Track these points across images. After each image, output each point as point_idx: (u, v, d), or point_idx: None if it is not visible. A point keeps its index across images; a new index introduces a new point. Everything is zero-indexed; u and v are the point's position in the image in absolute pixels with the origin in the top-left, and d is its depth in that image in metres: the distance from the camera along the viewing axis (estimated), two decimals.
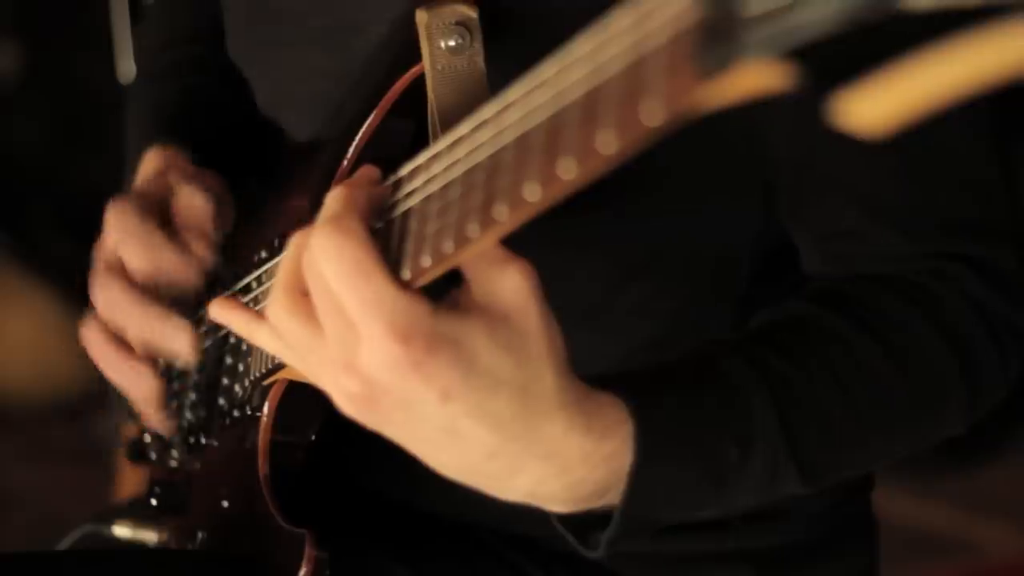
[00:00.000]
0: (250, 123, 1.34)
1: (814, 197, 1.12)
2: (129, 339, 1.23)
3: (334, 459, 1.22)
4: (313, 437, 1.18)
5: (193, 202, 1.23)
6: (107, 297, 1.23)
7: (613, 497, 0.94)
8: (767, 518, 1.23)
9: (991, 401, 1.10)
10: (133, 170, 1.38)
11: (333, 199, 0.92)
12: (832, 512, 1.28)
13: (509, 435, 0.89)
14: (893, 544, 1.39)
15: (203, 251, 1.22)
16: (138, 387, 1.25)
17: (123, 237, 1.22)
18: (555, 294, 0.90)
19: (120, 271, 1.22)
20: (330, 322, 0.89)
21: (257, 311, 1.01)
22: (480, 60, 0.98)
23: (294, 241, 0.95)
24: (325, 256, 0.88)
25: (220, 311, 1.03)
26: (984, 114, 1.11)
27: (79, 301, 1.34)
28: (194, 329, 1.22)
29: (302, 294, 0.92)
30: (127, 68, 2.61)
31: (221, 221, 1.25)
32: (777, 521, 1.25)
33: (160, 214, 1.23)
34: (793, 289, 1.13)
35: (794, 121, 1.07)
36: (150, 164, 1.33)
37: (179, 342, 1.21)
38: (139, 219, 1.22)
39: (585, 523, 0.97)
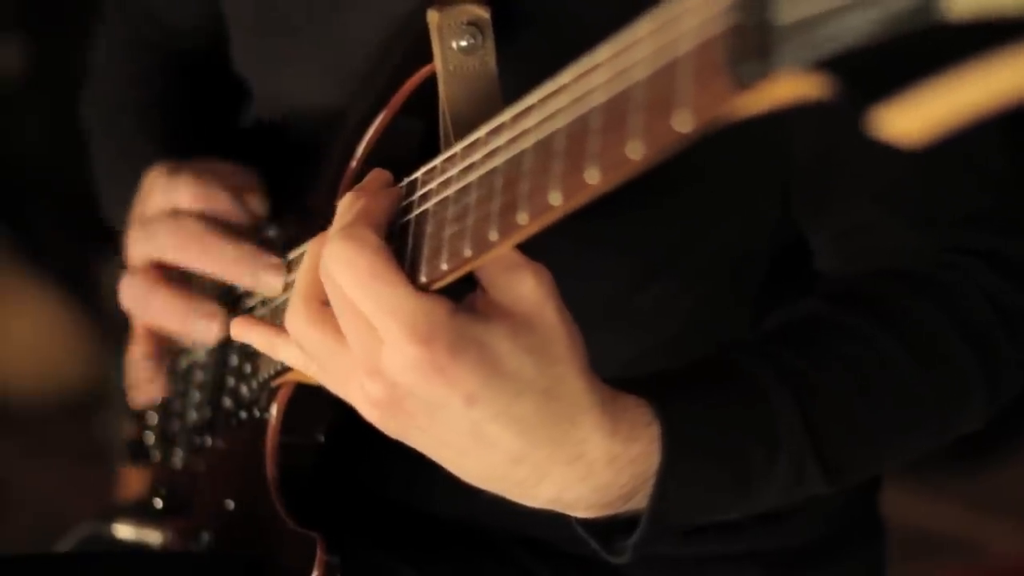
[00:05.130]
0: (231, 126, 1.33)
1: (831, 192, 1.11)
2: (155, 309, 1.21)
3: (341, 461, 1.21)
4: (322, 439, 1.17)
5: (237, 170, 1.21)
6: (135, 287, 1.21)
7: (639, 501, 0.94)
8: (777, 519, 1.23)
9: (1009, 394, 1.10)
10: (122, 184, 1.32)
11: (344, 207, 0.93)
12: (840, 513, 1.28)
13: (535, 440, 0.88)
14: (899, 544, 1.38)
15: (254, 202, 1.19)
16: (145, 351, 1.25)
17: (175, 185, 1.18)
18: (576, 293, 0.90)
19: (155, 264, 1.20)
20: (351, 329, 0.89)
21: (277, 327, 1.01)
22: (492, 60, 0.98)
23: (309, 251, 0.95)
24: (338, 267, 0.88)
25: (240, 330, 1.03)
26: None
27: (82, 299, 1.34)
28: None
29: (321, 303, 0.92)
30: None
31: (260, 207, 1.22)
32: (786, 522, 1.24)
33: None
34: (809, 287, 1.12)
35: (813, 118, 1.06)
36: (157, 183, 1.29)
37: (206, 313, 1.19)
38: (191, 173, 1.19)
39: (608, 529, 0.97)
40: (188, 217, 1.17)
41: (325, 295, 0.93)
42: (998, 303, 1.08)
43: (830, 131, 1.07)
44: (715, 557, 1.24)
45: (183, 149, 1.30)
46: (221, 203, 1.18)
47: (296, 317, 0.94)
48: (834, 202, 1.11)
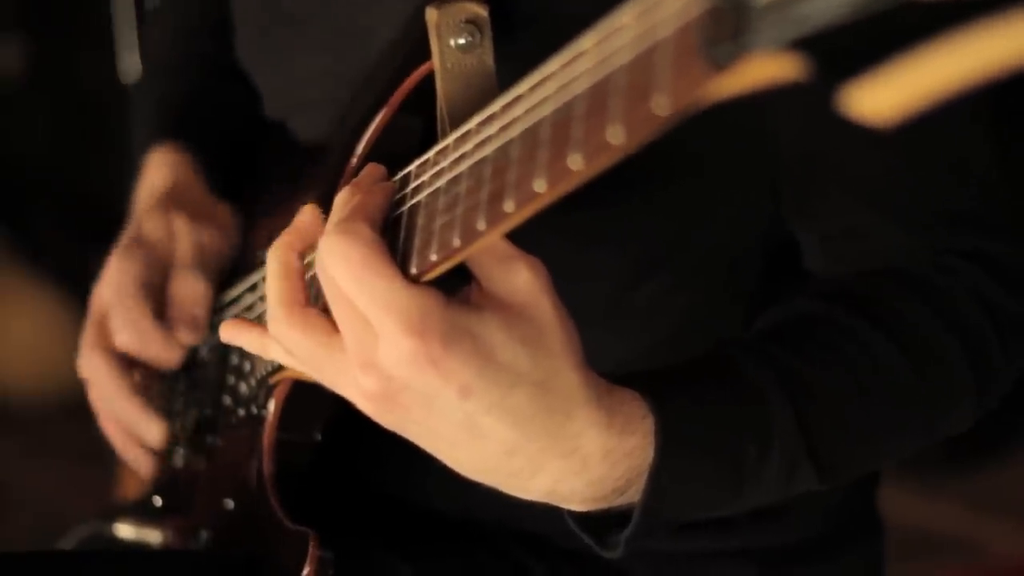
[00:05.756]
0: (258, 123, 1.34)
1: (820, 194, 1.11)
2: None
3: (338, 458, 1.22)
4: (319, 437, 1.17)
5: (190, 290, 1.27)
6: (93, 370, 1.32)
7: (633, 495, 0.94)
8: (772, 516, 1.23)
9: (998, 395, 1.11)
10: (139, 166, 1.39)
11: (340, 203, 0.93)
12: (837, 510, 1.28)
13: (529, 432, 0.88)
14: (897, 543, 1.38)
15: (190, 340, 1.28)
16: (126, 452, 1.35)
17: (116, 306, 1.28)
18: (573, 291, 0.90)
19: (106, 342, 1.30)
20: (346, 323, 0.89)
21: (265, 327, 1.01)
22: (490, 58, 0.98)
23: (271, 257, 0.95)
24: (332, 260, 0.88)
25: (230, 333, 1.03)
26: (986, 108, 1.11)
27: (82, 299, 1.35)
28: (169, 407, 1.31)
29: (301, 306, 0.93)
30: (130, 68, 2.61)
31: (223, 258, 1.30)
32: (782, 519, 1.25)
33: (160, 273, 1.28)
34: (804, 285, 1.12)
35: (801, 117, 1.07)
36: (155, 171, 1.34)
37: (148, 435, 1.31)
38: (135, 292, 1.27)
39: (602, 523, 0.97)
40: (101, 358, 1.31)
41: (302, 298, 0.93)
42: (989, 305, 1.08)
43: (813, 133, 1.08)
44: (710, 553, 1.24)
45: (196, 128, 1.40)
46: (149, 347, 1.28)
47: (277, 324, 0.94)
48: (822, 204, 1.12)
